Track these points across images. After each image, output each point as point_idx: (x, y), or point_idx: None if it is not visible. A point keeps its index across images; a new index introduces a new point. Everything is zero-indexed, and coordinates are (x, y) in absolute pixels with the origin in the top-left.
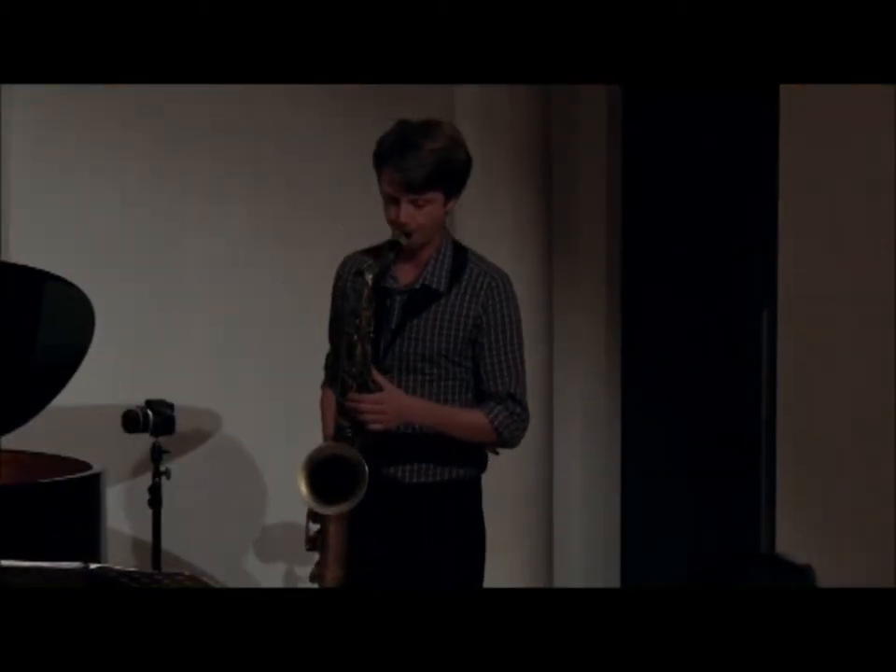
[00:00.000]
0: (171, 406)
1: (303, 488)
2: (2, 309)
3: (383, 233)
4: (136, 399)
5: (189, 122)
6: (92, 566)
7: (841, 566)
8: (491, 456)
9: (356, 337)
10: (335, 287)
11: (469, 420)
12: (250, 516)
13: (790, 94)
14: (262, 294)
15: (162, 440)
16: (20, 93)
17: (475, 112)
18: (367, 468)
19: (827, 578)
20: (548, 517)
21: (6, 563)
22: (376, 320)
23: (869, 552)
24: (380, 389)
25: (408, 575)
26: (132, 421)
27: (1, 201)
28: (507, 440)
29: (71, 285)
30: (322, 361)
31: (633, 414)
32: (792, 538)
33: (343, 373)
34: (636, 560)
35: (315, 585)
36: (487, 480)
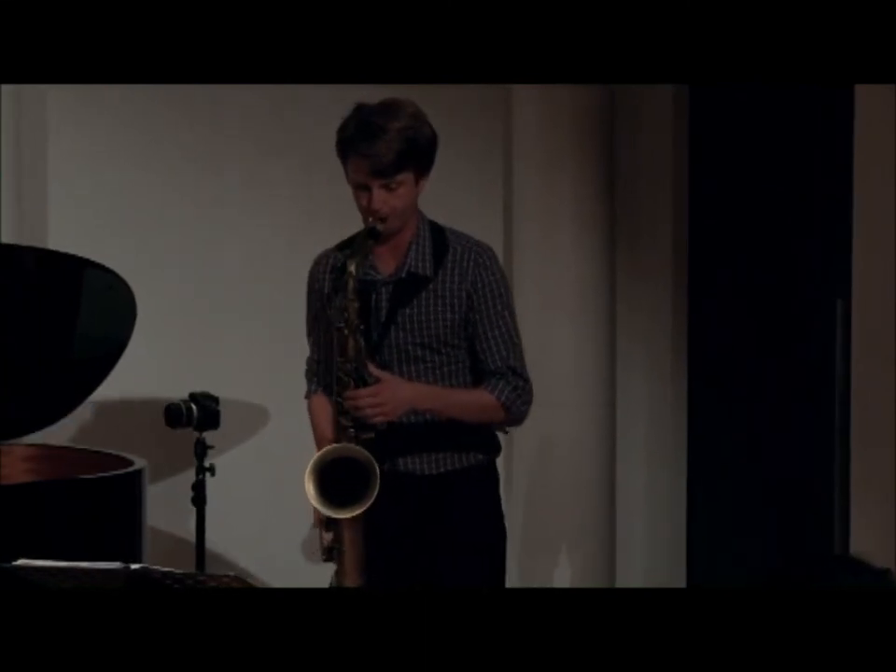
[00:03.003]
0: (215, 399)
1: (312, 494)
2: (41, 297)
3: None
4: (179, 392)
5: (234, 109)
6: (133, 566)
7: None
8: (549, 451)
9: (346, 332)
10: (310, 289)
11: (475, 400)
12: (298, 515)
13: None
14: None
15: (206, 435)
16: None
17: (535, 102)
18: (377, 466)
19: None
20: (611, 515)
21: (44, 563)
22: (363, 313)
23: None
24: (377, 381)
25: (432, 570)
26: (174, 415)
27: (45, 189)
28: (514, 415)
29: (112, 273)
30: None
31: (699, 410)
32: (867, 540)
33: (338, 371)
34: (702, 560)
35: None
36: (548, 477)
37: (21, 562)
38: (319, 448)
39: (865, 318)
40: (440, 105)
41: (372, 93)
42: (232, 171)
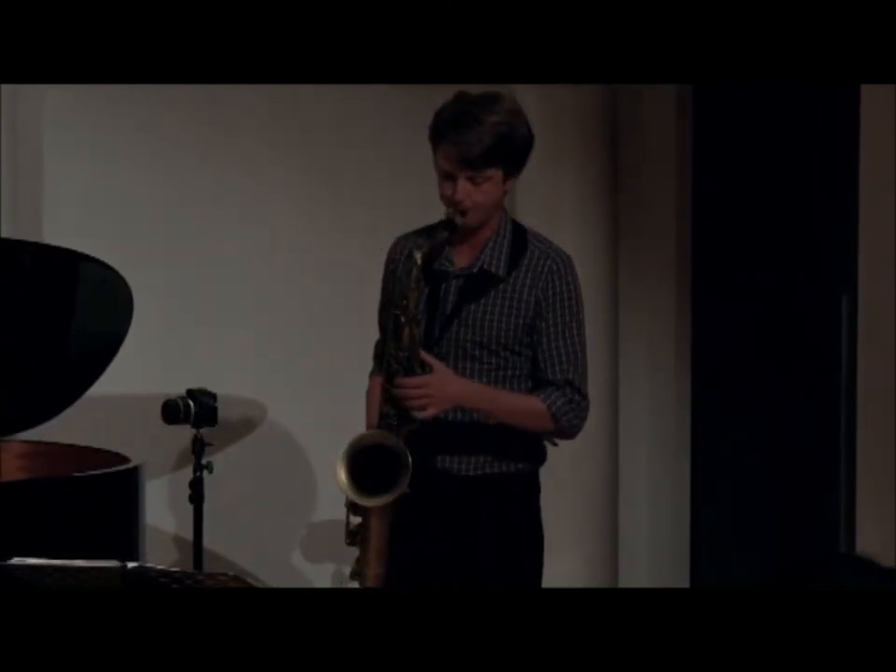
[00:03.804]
0: (213, 396)
1: (343, 478)
2: (36, 292)
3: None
4: (177, 388)
5: (235, 109)
6: (130, 565)
7: None
8: (552, 450)
9: (403, 319)
10: (386, 271)
11: (525, 405)
12: (297, 512)
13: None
14: (308, 281)
15: (204, 431)
16: None
17: (537, 101)
18: (410, 457)
19: None
20: (613, 515)
21: (40, 562)
22: (430, 304)
23: None
24: (429, 372)
25: (454, 574)
26: (172, 412)
27: (41, 188)
28: (565, 427)
29: (108, 267)
30: (370, 350)
31: (703, 409)
32: (873, 539)
33: (390, 358)
34: (705, 560)
35: (356, 583)
36: (548, 475)
37: (15, 560)
38: (368, 427)
39: (870, 315)
40: (440, 103)
41: (372, 93)
42: (232, 170)
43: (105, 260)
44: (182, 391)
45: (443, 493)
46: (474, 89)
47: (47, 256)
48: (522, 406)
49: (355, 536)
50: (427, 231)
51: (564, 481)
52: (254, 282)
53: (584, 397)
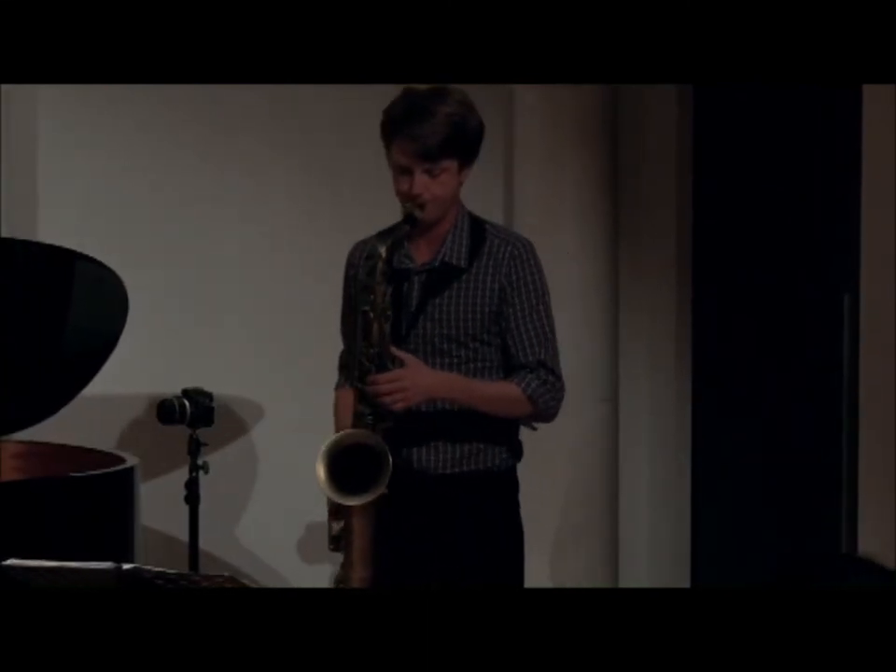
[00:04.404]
0: (209, 396)
1: (322, 479)
2: (30, 291)
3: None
4: (173, 388)
5: (234, 109)
6: (125, 566)
7: None
8: (552, 450)
9: (372, 315)
10: (346, 277)
11: (500, 391)
12: (294, 513)
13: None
14: (308, 281)
15: (200, 431)
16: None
17: (537, 100)
18: (390, 455)
19: None
20: (614, 515)
21: (34, 563)
22: (394, 302)
23: None
24: (401, 366)
25: (437, 573)
26: (167, 412)
27: (35, 187)
28: (542, 409)
29: (103, 266)
30: None
31: (704, 408)
32: (875, 539)
33: (361, 356)
34: (706, 560)
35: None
36: (548, 475)
37: (10, 561)
38: None
39: (872, 315)
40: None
41: (372, 93)
42: (232, 170)
43: (105, 260)
44: (178, 391)
45: (421, 492)
46: (474, 88)
47: (42, 254)
48: (497, 392)
49: (338, 541)
50: (386, 232)
51: (564, 481)
52: (254, 282)
53: (559, 377)
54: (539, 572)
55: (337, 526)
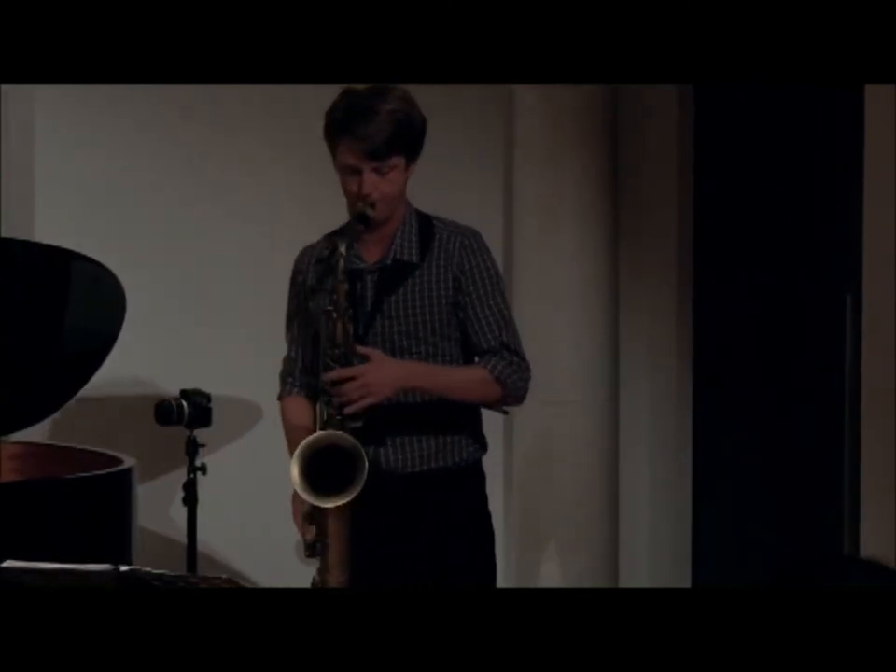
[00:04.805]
0: (207, 397)
1: (297, 482)
2: (28, 291)
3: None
4: (171, 389)
5: (234, 108)
6: (123, 567)
7: None
8: (552, 449)
9: (335, 315)
10: (292, 282)
11: (467, 376)
12: (291, 515)
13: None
14: None
15: (198, 433)
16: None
17: (537, 99)
18: (365, 455)
19: None
20: (614, 515)
21: (31, 565)
22: (349, 303)
23: None
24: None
25: (413, 573)
26: (165, 413)
27: (33, 186)
28: (511, 390)
29: (100, 266)
30: None
31: (704, 408)
32: (877, 540)
33: (325, 357)
34: (706, 560)
35: None
36: (549, 475)
37: (6, 563)
38: (292, 454)
39: (874, 315)
40: (441, 101)
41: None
42: (232, 170)
43: (104, 260)
44: (176, 392)
45: (392, 493)
46: (472, 88)
47: (39, 254)
48: (464, 377)
49: (314, 547)
50: (338, 233)
51: (564, 481)
52: (253, 282)
53: (523, 358)
54: (539, 572)
55: (311, 532)
